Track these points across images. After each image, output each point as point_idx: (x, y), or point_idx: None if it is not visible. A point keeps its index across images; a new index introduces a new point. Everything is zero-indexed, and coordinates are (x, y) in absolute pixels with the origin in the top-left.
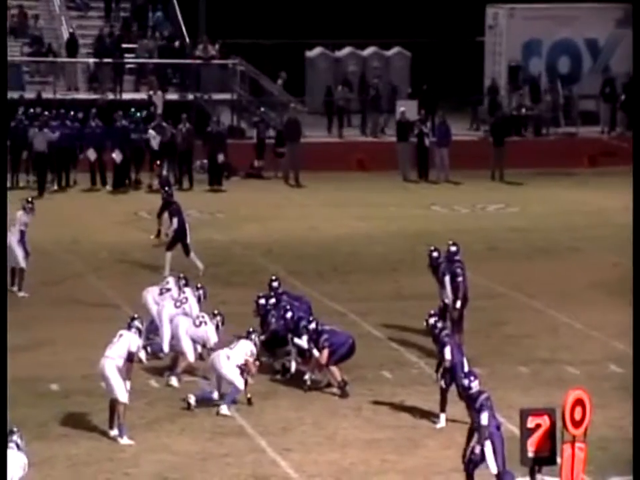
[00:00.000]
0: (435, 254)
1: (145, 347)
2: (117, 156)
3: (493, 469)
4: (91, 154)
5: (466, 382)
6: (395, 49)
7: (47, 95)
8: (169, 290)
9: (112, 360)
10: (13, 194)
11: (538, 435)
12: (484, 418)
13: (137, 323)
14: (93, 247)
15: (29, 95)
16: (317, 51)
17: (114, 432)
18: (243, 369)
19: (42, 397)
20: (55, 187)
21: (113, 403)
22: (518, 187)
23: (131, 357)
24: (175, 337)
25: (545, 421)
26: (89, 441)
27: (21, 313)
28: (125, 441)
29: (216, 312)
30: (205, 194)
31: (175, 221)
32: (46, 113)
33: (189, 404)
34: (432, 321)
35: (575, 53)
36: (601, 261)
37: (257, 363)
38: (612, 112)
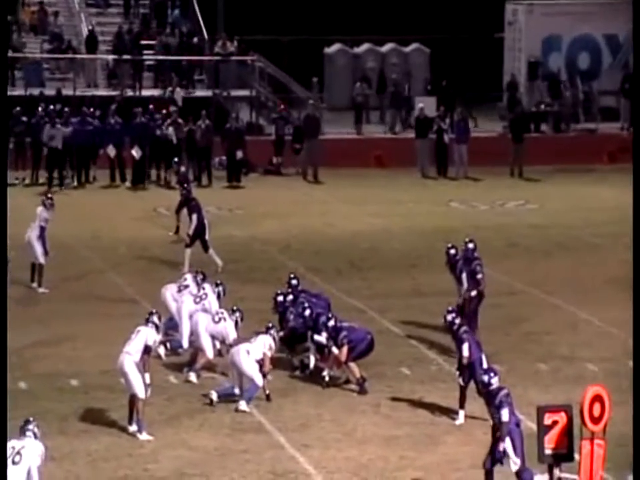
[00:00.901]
0: (453, 251)
1: (164, 343)
2: (136, 152)
3: (516, 464)
4: (111, 150)
5: (485, 378)
6: (414, 45)
7: (67, 91)
8: (187, 287)
9: (130, 356)
10: (33, 190)
11: (555, 432)
12: (504, 414)
13: (154, 318)
14: (113, 243)
15: (49, 91)
16: (336, 47)
17: (133, 428)
18: (262, 364)
19: (62, 392)
20: (75, 184)
21: (132, 399)
22: (537, 184)
23: (147, 350)
24: (194, 333)
25: (562, 418)
26: (108, 436)
27: (41, 309)
28: (144, 436)
29: (235, 308)
30: (223, 190)
31: (195, 217)
32: (65, 109)
33: (211, 400)
34: (450, 317)
35: (595, 48)
36: (621, 258)
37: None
38: (632, 108)
